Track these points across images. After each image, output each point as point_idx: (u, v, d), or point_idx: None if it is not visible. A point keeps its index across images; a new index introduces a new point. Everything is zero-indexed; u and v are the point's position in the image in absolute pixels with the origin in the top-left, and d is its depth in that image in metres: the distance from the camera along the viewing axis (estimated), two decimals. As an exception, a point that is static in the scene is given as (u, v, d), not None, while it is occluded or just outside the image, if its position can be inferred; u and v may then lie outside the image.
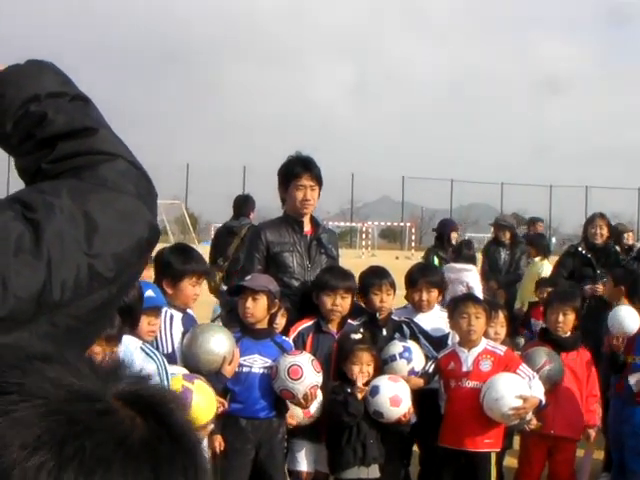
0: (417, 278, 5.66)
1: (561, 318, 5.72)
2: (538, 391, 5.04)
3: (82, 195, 1.27)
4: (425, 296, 5.59)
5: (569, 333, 5.79)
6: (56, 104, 1.37)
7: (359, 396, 4.75)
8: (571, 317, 5.75)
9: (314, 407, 4.82)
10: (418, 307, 5.62)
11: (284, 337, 4.93)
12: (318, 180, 5.39)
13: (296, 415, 4.83)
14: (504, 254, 10.48)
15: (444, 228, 10.71)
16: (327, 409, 4.84)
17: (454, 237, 10.61)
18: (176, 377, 3.99)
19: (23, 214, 1.18)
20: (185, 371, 4.21)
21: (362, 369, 4.83)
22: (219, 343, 4.45)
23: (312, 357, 4.74)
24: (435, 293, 5.64)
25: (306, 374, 4.59)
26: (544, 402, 5.06)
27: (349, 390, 4.78)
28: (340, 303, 5.02)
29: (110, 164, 1.35)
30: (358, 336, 4.96)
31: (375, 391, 4.79)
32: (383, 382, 4.84)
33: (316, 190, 5.39)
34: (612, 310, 5.77)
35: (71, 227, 1.20)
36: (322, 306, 5.04)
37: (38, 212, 1.19)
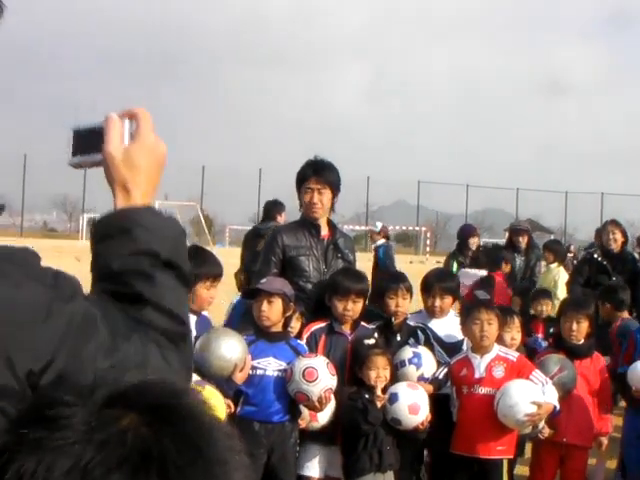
0: (432, 283, 5.64)
1: (575, 326, 5.69)
2: (552, 397, 5.02)
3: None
4: (438, 302, 5.57)
5: (583, 340, 5.77)
6: (166, 274, 1.40)
7: (378, 404, 4.74)
8: (585, 325, 5.72)
9: (325, 412, 4.81)
10: (431, 313, 5.61)
11: (299, 340, 4.93)
12: (328, 183, 5.32)
13: (304, 417, 4.82)
14: (519, 260, 10.44)
15: (463, 234, 10.79)
16: (344, 415, 4.81)
17: (473, 243, 10.60)
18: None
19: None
20: (196, 377, 4.20)
21: (379, 374, 4.81)
22: (231, 349, 4.44)
23: (327, 360, 4.74)
24: (449, 300, 5.61)
25: (321, 376, 4.58)
26: (558, 408, 5.04)
27: (367, 396, 4.77)
28: (352, 307, 5.00)
29: (181, 350, 1.38)
30: (371, 341, 4.95)
31: (394, 398, 4.76)
32: (402, 389, 4.82)
33: (325, 193, 5.31)
34: (632, 365, 5.63)
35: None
36: (334, 309, 5.03)
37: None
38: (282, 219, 9.88)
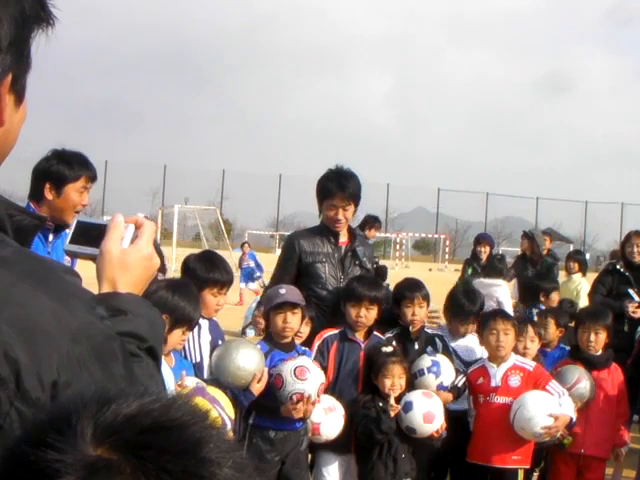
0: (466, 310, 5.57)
1: (592, 337, 5.66)
2: (568, 408, 4.99)
3: None
4: (470, 328, 5.55)
5: (601, 351, 5.73)
6: (149, 360, 1.47)
7: (392, 413, 4.71)
8: (602, 336, 5.69)
9: (329, 425, 4.79)
10: (454, 333, 5.60)
11: (303, 347, 4.90)
12: (353, 199, 5.28)
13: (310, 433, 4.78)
14: (530, 271, 10.40)
15: (475, 241, 10.99)
16: (357, 424, 4.78)
17: (482, 251, 10.66)
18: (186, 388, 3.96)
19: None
20: (197, 381, 4.17)
21: (394, 382, 4.79)
22: (250, 360, 4.42)
23: (299, 363, 4.61)
24: (473, 326, 5.59)
25: (312, 371, 4.55)
26: (574, 419, 5.01)
27: (381, 404, 4.75)
28: (365, 314, 4.95)
29: None
30: (389, 349, 4.92)
31: (408, 407, 4.74)
32: (417, 398, 4.79)
33: (349, 209, 5.29)
34: None
35: None
36: (347, 316, 5.00)
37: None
38: (371, 234, 10.53)
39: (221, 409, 4.00)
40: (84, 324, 1.22)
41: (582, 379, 5.38)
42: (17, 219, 1.41)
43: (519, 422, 4.87)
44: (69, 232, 1.70)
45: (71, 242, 1.69)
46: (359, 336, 5.02)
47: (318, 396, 4.62)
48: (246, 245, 24.57)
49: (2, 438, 1.06)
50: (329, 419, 4.75)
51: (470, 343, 5.54)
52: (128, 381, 1.27)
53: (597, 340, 5.67)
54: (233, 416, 4.14)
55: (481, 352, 5.44)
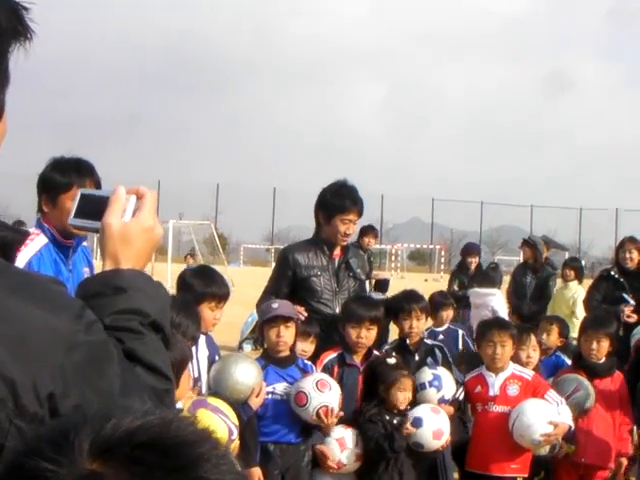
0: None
1: (594, 345, 5.63)
2: (567, 416, 4.97)
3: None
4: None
5: (603, 359, 5.71)
6: (153, 335, 1.47)
7: (405, 433, 4.70)
8: (605, 344, 5.66)
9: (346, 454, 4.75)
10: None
11: (306, 361, 4.89)
12: (361, 213, 5.39)
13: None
14: (530, 277, 10.39)
15: (463, 252, 11.09)
16: (368, 439, 4.73)
17: (472, 262, 10.68)
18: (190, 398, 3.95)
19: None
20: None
21: (405, 396, 4.80)
22: (249, 374, 4.43)
23: (319, 377, 4.68)
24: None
25: (311, 399, 4.55)
26: (573, 428, 5.00)
27: (387, 417, 4.74)
28: (365, 335, 4.92)
29: (167, 406, 1.46)
30: (392, 360, 4.91)
31: (418, 423, 4.72)
32: (426, 414, 4.78)
33: (357, 223, 5.43)
34: None
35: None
36: (348, 337, 4.95)
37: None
38: (369, 243, 10.76)
39: (225, 417, 4.01)
40: (75, 334, 1.23)
41: (580, 388, 5.35)
42: (0, 235, 1.41)
43: (518, 430, 4.86)
44: (73, 205, 1.68)
45: (75, 216, 1.67)
46: (357, 359, 4.99)
47: (329, 414, 4.63)
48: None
49: (5, 455, 1.06)
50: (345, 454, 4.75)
51: None
52: (122, 379, 1.29)
53: (599, 348, 5.64)
54: (238, 422, 4.15)
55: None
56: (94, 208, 1.61)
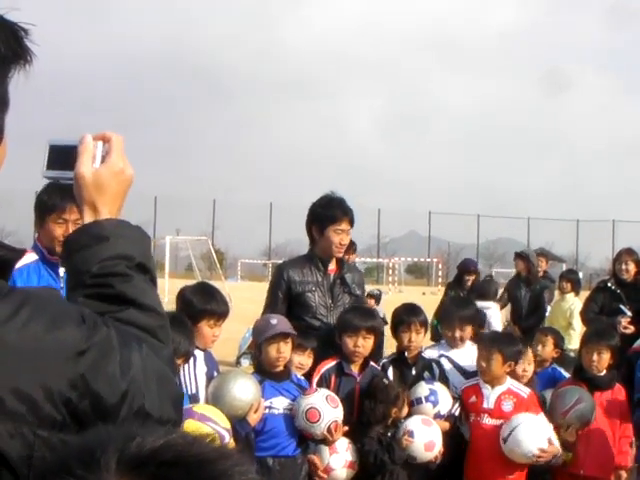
0: (451, 313, 5.69)
1: (595, 357, 5.61)
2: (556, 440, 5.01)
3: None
4: (458, 333, 5.57)
5: (604, 372, 5.69)
6: (141, 276, 1.52)
7: (404, 444, 4.73)
8: (606, 356, 5.64)
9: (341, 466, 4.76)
10: (452, 343, 5.61)
11: (299, 375, 4.90)
12: (353, 224, 5.39)
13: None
14: (524, 290, 10.41)
15: (460, 268, 11.06)
16: (368, 453, 4.75)
17: (468, 279, 10.67)
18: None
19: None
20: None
21: (402, 412, 4.85)
22: (247, 390, 4.44)
23: (327, 393, 4.72)
24: (469, 329, 5.62)
25: (324, 414, 4.58)
26: (560, 454, 5.02)
27: (389, 434, 4.77)
28: (362, 344, 4.95)
29: (164, 351, 1.49)
30: (387, 381, 4.96)
31: (409, 435, 4.77)
32: (418, 427, 4.81)
33: (350, 234, 5.42)
34: None
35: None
36: (344, 347, 4.98)
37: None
38: (350, 259, 10.49)
39: (214, 424, 4.00)
40: (82, 341, 1.29)
41: (582, 400, 5.34)
42: None
43: (509, 444, 4.88)
44: (43, 159, 1.67)
45: (48, 168, 1.67)
46: (354, 368, 5.01)
47: (337, 429, 4.67)
48: None
49: (34, 466, 1.19)
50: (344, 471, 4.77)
51: (470, 353, 5.51)
52: (128, 373, 1.34)
53: (600, 360, 5.62)
54: (229, 426, 4.13)
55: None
56: (65, 158, 1.62)
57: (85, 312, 1.35)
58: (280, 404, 4.67)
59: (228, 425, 4.13)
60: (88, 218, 1.57)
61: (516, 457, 4.91)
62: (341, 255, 5.40)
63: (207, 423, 3.95)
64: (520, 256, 10.75)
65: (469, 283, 10.62)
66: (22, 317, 1.25)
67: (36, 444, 1.20)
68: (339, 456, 4.74)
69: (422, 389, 5.05)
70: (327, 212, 5.35)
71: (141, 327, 1.45)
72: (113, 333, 1.35)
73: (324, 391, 4.72)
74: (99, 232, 1.51)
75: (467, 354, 5.53)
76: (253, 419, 4.45)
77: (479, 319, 5.96)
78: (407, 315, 5.33)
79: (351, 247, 11.07)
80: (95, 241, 1.50)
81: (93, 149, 1.59)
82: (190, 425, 3.75)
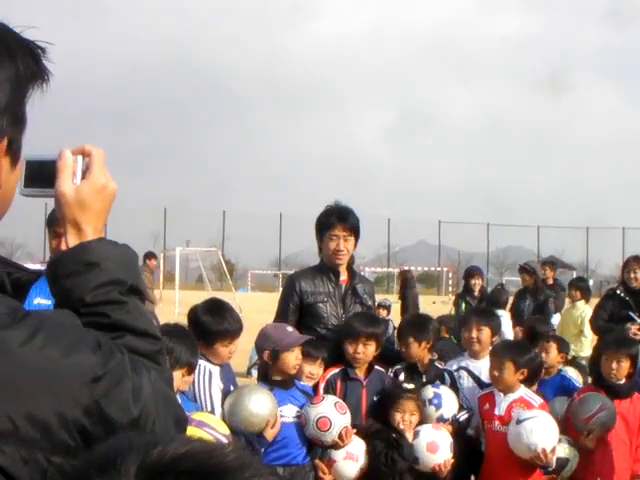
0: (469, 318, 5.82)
1: (614, 365, 5.60)
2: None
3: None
4: (475, 333, 5.62)
5: (624, 380, 5.68)
6: (133, 299, 1.49)
7: (409, 438, 4.75)
8: (626, 364, 5.63)
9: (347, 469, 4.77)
10: (469, 346, 5.67)
11: (301, 382, 4.92)
12: (353, 230, 5.36)
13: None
14: (528, 301, 10.42)
15: (465, 275, 11.19)
16: (378, 453, 4.77)
17: (475, 284, 10.68)
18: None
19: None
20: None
21: (404, 417, 4.82)
22: (263, 405, 4.43)
23: (335, 400, 4.74)
24: (487, 331, 5.67)
25: (334, 422, 4.60)
26: (552, 468, 5.02)
27: (393, 435, 4.78)
28: (362, 350, 4.97)
29: (164, 374, 1.48)
30: (411, 386, 4.96)
31: (414, 436, 4.80)
32: (423, 428, 4.85)
33: (350, 241, 5.36)
34: None
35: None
36: (346, 352, 5.01)
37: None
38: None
39: (211, 429, 3.99)
40: (97, 367, 1.28)
41: (605, 407, 5.34)
42: (15, 277, 1.46)
43: (520, 428, 4.89)
44: (21, 174, 1.53)
45: (26, 186, 1.55)
46: (360, 373, 5.04)
47: (347, 435, 4.69)
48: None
49: None
50: (347, 464, 4.76)
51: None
52: (139, 397, 1.34)
53: (619, 368, 5.62)
54: (228, 432, 4.15)
55: None
56: (43, 174, 1.54)
57: (101, 338, 1.34)
58: (289, 412, 4.69)
59: (227, 431, 4.13)
60: (72, 238, 1.51)
61: (518, 444, 4.90)
62: (340, 262, 5.36)
63: (204, 429, 3.93)
64: (524, 269, 10.74)
65: (477, 287, 10.62)
66: (38, 342, 1.23)
67: (49, 471, 1.19)
68: (342, 450, 4.74)
69: (427, 392, 5.07)
70: (324, 219, 5.41)
71: (141, 353, 1.42)
72: (127, 359, 1.35)
73: (332, 398, 4.74)
74: (88, 258, 1.46)
75: (486, 367, 5.47)
76: (270, 434, 4.44)
77: (496, 323, 5.94)
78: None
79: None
80: (85, 268, 1.45)
81: (73, 164, 1.52)
82: (187, 431, 3.76)
